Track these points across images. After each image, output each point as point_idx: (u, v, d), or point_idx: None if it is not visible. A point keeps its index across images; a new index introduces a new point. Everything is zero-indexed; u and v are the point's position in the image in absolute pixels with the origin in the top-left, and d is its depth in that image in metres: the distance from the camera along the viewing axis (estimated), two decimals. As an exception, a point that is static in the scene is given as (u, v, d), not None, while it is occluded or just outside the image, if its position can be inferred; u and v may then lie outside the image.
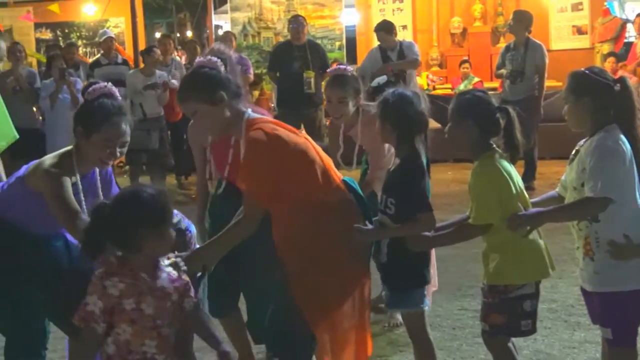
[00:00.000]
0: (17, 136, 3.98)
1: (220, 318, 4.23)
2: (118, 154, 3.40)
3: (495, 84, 10.73)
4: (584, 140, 3.44)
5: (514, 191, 3.37)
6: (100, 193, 3.56)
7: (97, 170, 3.55)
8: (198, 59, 3.45)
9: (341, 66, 4.59)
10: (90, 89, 3.42)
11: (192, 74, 3.41)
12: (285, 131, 3.31)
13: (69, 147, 3.46)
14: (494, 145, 3.44)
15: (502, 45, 11.09)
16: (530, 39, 9.42)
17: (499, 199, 3.33)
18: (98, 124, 3.33)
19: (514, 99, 8.31)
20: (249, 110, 3.36)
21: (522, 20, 9.35)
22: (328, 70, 4.65)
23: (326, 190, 3.34)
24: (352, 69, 4.60)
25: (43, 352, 3.62)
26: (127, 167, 10.51)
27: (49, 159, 3.42)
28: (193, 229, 3.63)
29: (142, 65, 10.24)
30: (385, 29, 9.13)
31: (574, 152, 3.46)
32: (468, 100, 3.49)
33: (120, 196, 2.94)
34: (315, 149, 3.40)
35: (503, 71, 9.40)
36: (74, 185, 3.38)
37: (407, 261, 3.50)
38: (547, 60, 9.33)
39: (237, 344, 4.28)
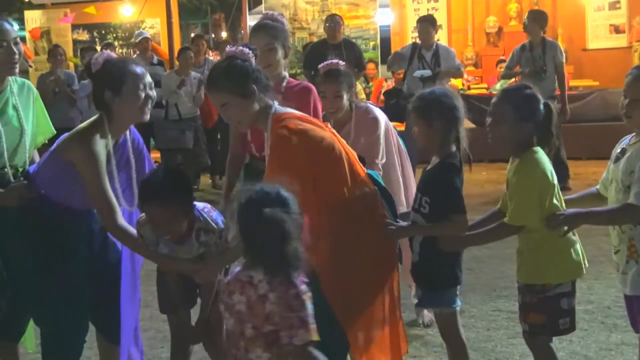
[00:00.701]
0: (55, 131, 4.03)
1: None
2: (152, 94, 3.51)
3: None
4: (629, 137, 3.40)
5: (554, 190, 3.33)
6: (133, 163, 3.60)
7: (128, 139, 3.61)
8: (229, 48, 3.44)
9: (333, 60, 4.54)
10: (93, 61, 3.46)
11: (226, 65, 3.37)
12: (311, 126, 3.30)
13: (97, 116, 3.49)
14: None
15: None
16: (546, 38, 9.37)
17: (539, 200, 3.30)
18: (121, 78, 3.40)
19: None
20: (276, 104, 3.36)
21: (538, 20, 9.27)
22: (320, 65, 4.58)
23: (353, 185, 3.33)
24: (343, 63, 4.56)
25: (81, 347, 3.65)
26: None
27: (80, 128, 3.48)
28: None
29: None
30: (431, 21, 9.16)
31: (619, 149, 3.41)
32: (521, 97, 3.40)
33: (273, 200, 2.72)
34: (341, 143, 3.39)
35: (524, 70, 9.15)
36: (107, 154, 3.43)
37: (439, 260, 3.46)
38: (564, 59, 9.30)
39: None
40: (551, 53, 9.11)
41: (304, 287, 2.68)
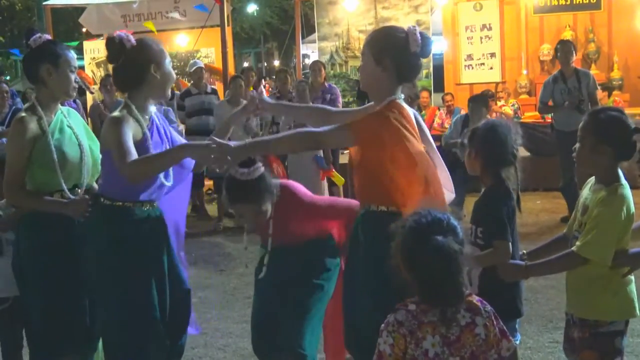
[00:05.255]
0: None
1: None
2: None
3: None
4: None
5: (630, 229, 3.26)
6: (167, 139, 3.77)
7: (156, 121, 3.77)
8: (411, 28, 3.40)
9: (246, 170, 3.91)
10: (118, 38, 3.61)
11: (388, 30, 3.51)
12: (408, 135, 3.24)
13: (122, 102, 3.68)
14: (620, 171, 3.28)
15: (593, 71, 10.83)
16: (577, 67, 9.30)
17: (618, 237, 3.21)
18: (155, 54, 3.63)
19: (570, 130, 8.04)
20: (402, 98, 3.38)
21: (569, 51, 9.12)
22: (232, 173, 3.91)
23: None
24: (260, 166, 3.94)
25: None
26: (215, 195, 10.65)
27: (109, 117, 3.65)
28: None
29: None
30: (485, 102, 9.04)
31: None
32: (604, 121, 3.27)
33: None
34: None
35: (564, 104, 8.91)
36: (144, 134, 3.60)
37: (499, 292, 3.35)
38: (597, 87, 9.18)
39: None
40: (585, 82, 8.96)
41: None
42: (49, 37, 3.94)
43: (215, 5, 11.65)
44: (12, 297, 4.10)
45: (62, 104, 4.02)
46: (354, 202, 3.74)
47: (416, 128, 3.33)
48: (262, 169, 3.71)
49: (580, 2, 13.55)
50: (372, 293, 3.29)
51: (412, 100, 9.33)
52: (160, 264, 3.69)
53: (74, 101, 9.56)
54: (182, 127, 10.23)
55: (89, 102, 12.10)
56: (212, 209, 10.46)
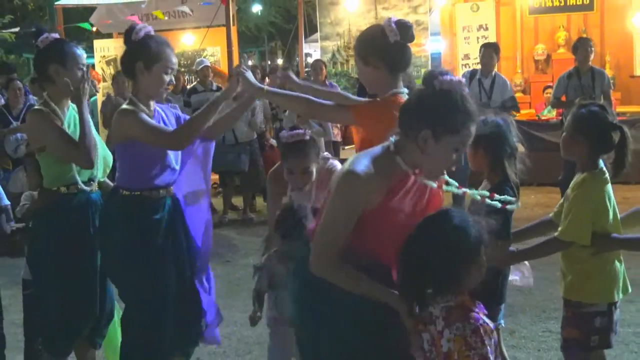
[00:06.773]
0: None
1: None
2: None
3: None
4: None
5: (609, 219, 3.40)
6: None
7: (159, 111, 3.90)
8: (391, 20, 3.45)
9: (299, 131, 4.01)
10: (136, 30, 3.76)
11: (368, 33, 3.53)
12: None
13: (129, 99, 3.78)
14: (603, 162, 3.44)
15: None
16: (594, 66, 9.36)
17: (593, 221, 3.36)
18: (147, 55, 3.70)
19: None
20: (405, 91, 3.41)
21: (588, 48, 9.16)
22: (282, 134, 4.08)
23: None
24: (309, 131, 4.05)
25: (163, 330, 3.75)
26: (220, 189, 10.83)
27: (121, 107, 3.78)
28: None
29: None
30: (495, 48, 9.18)
31: None
32: (581, 115, 3.48)
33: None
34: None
35: (574, 100, 9.06)
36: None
37: (486, 280, 3.22)
38: (612, 86, 9.19)
39: None
40: (600, 81, 9.05)
41: (483, 320, 2.54)
42: (56, 36, 3.97)
43: (220, 5, 11.84)
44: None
45: None
46: None
47: None
48: (310, 133, 3.99)
49: (574, 3, 13.75)
50: None
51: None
52: (179, 247, 3.82)
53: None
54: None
55: (99, 100, 12.29)
56: (217, 202, 10.56)
